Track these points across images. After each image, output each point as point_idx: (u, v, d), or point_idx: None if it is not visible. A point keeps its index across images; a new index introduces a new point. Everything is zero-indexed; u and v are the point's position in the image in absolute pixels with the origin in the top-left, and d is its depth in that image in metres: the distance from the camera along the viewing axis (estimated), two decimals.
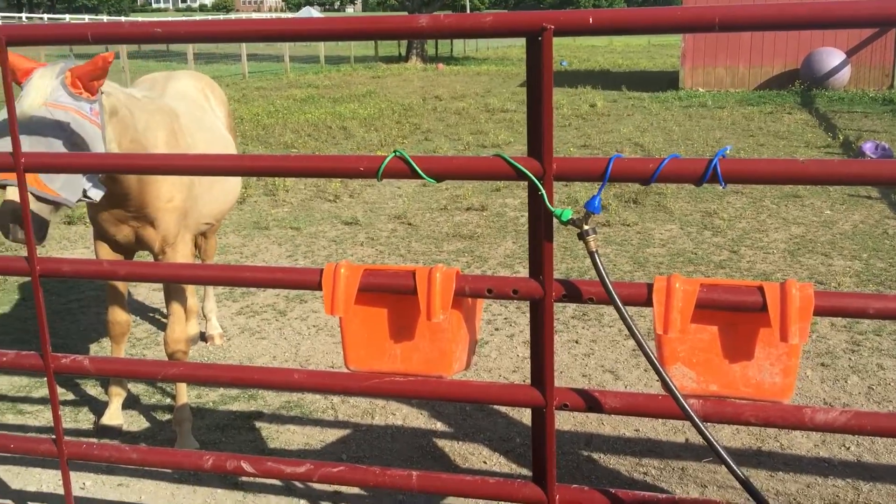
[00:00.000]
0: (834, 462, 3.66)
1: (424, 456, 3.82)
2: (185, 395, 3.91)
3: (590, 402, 2.33)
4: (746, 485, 2.19)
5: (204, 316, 5.24)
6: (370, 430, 4.04)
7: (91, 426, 4.14)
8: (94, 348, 5.16)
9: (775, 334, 2.09)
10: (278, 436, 4.01)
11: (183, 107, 4.12)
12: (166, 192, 3.64)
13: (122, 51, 22.10)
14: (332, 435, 4.01)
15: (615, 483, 3.54)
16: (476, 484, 2.51)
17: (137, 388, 4.53)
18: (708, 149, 11.36)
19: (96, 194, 3.15)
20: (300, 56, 36.38)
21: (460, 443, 3.92)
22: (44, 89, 2.98)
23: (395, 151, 2.27)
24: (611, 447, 3.85)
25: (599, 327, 5.23)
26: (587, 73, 25.85)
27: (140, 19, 2.68)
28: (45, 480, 3.65)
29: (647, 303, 2.19)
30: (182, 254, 3.82)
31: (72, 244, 7.46)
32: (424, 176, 2.26)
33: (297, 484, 3.54)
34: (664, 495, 2.47)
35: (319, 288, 2.38)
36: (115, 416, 4.08)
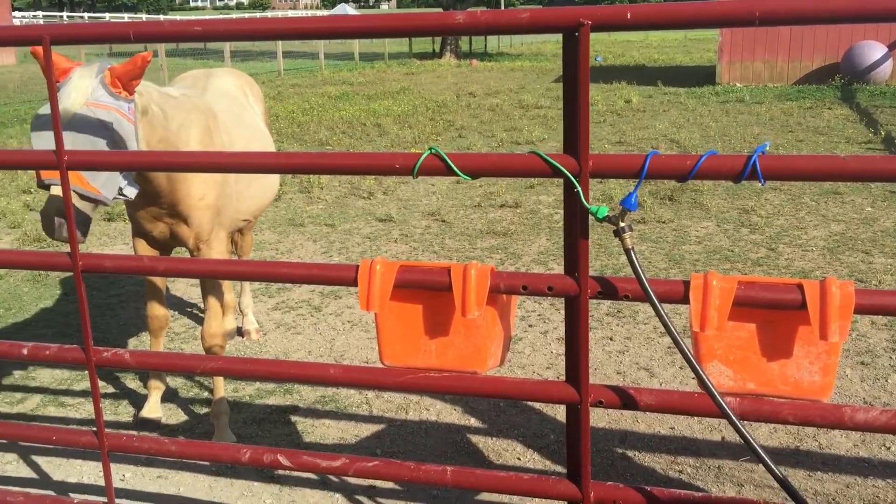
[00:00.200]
0: (874, 462, 3.60)
1: (458, 451, 3.83)
2: (223, 388, 3.96)
3: (625, 399, 2.32)
4: (785, 484, 2.17)
5: (240, 311, 5.30)
6: (404, 426, 4.06)
7: (130, 419, 4.22)
8: (133, 342, 5.25)
9: (815, 332, 2.06)
10: (313, 430, 4.05)
11: (223, 104, 4.16)
12: (198, 191, 3.68)
13: (161, 49, 22.37)
14: (367, 430, 4.04)
15: (650, 481, 3.52)
16: (510, 480, 2.52)
17: (175, 382, 4.60)
18: (745, 145, 11.21)
19: (131, 192, 3.22)
20: (335, 53, 36.57)
21: (494, 439, 3.92)
22: (85, 89, 3.03)
23: (430, 149, 2.27)
24: (645, 445, 3.82)
25: (634, 324, 5.19)
26: (622, 68, 25.64)
27: (178, 18, 2.72)
28: (86, 472, 3.73)
29: (684, 300, 2.18)
30: (217, 251, 3.86)
31: (111, 240, 7.59)
32: (460, 173, 2.26)
33: (332, 478, 3.57)
34: (700, 494, 2.45)
35: (355, 284, 2.40)
36: (154, 409, 4.15)
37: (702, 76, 21.02)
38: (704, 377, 2.12)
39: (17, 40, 2.71)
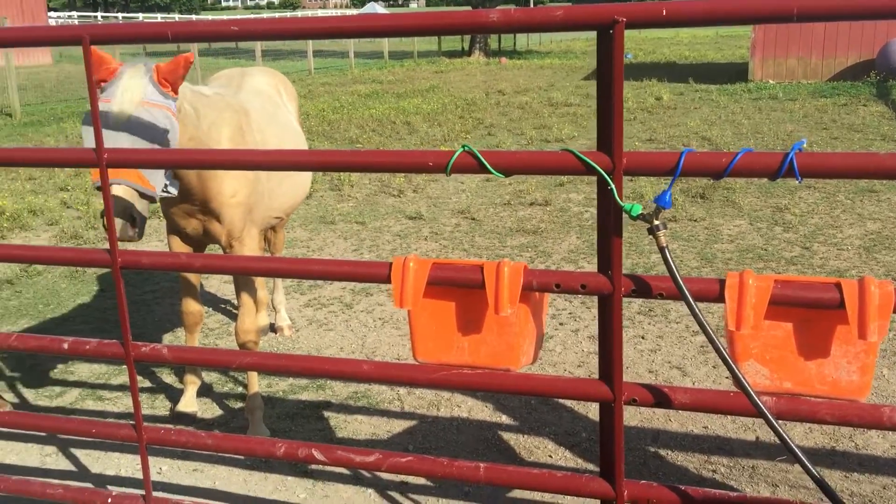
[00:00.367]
0: None
1: (490, 448, 3.83)
2: (257, 384, 4.01)
3: (659, 397, 2.31)
4: (822, 484, 2.14)
5: (273, 308, 5.35)
6: (436, 422, 4.08)
7: (167, 413, 4.28)
8: (169, 338, 5.32)
9: (853, 332, 2.04)
10: (346, 425, 4.08)
11: (257, 103, 4.20)
12: (229, 188, 3.72)
13: (194, 48, 22.62)
14: (399, 426, 4.06)
15: (683, 480, 3.50)
16: (543, 477, 2.52)
17: (210, 377, 4.66)
18: (779, 142, 11.07)
19: (173, 189, 3.27)
20: (364, 52, 36.70)
21: (525, 436, 3.92)
22: (139, 88, 3.06)
23: (462, 146, 2.28)
24: (678, 444, 3.80)
25: (666, 323, 5.16)
26: (653, 65, 25.42)
27: (211, 17, 2.75)
28: (123, 465, 3.79)
29: (719, 299, 2.16)
30: (249, 247, 3.90)
31: (146, 238, 7.69)
32: (493, 171, 2.26)
33: (365, 473, 3.60)
34: (734, 493, 2.43)
35: (388, 281, 2.41)
36: (190, 403, 4.21)
37: (734, 73, 20.79)
38: (741, 376, 2.11)
39: (57, 40, 2.75)
